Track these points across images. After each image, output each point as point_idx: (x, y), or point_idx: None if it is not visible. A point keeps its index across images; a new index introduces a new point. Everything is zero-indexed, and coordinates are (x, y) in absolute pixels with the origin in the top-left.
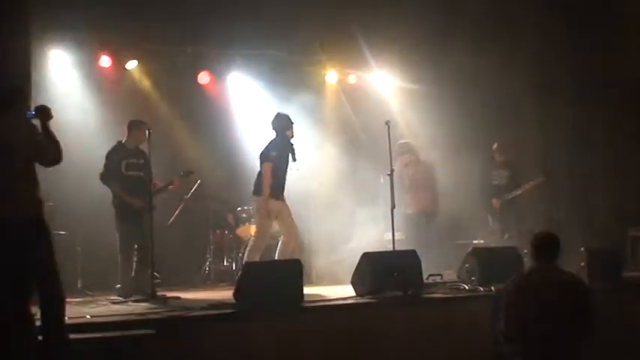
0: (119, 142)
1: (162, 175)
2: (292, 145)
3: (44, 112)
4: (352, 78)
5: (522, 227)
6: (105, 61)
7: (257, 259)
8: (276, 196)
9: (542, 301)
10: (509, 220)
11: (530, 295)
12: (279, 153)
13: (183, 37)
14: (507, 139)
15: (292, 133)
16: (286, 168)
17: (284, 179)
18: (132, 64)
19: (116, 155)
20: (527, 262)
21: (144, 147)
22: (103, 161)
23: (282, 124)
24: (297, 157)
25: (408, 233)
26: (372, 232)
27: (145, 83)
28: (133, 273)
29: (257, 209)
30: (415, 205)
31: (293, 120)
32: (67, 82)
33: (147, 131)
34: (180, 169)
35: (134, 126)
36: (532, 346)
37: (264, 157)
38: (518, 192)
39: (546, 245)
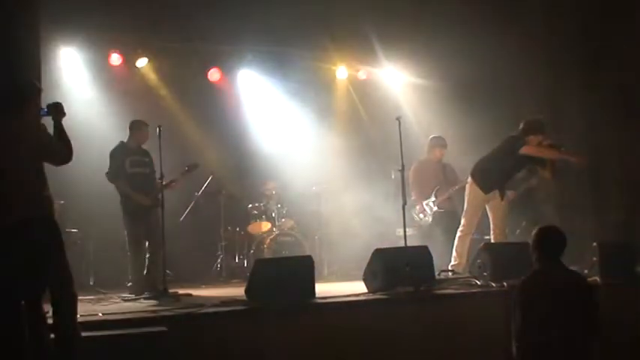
0: (121, 142)
1: (173, 173)
2: None
3: (57, 110)
4: (363, 73)
5: (537, 221)
6: (115, 58)
7: (467, 244)
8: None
9: (547, 302)
10: (526, 212)
11: (536, 296)
12: None
13: (193, 35)
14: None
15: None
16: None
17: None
18: (142, 62)
19: (119, 154)
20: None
21: (151, 145)
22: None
23: None
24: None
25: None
26: (384, 228)
27: (156, 81)
28: (144, 270)
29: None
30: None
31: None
32: (77, 81)
33: (157, 129)
34: (185, 164)
35: (134, 127)
36: (539, 348)
37: None
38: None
39: (549, 242)
